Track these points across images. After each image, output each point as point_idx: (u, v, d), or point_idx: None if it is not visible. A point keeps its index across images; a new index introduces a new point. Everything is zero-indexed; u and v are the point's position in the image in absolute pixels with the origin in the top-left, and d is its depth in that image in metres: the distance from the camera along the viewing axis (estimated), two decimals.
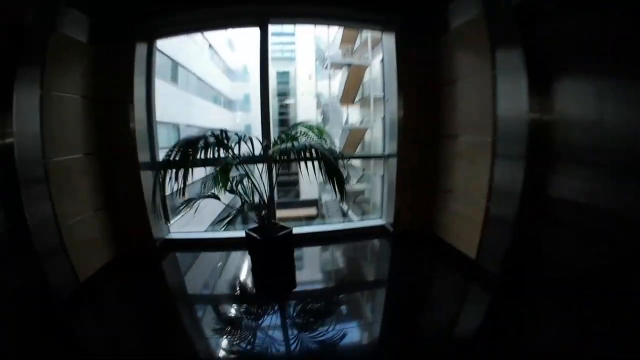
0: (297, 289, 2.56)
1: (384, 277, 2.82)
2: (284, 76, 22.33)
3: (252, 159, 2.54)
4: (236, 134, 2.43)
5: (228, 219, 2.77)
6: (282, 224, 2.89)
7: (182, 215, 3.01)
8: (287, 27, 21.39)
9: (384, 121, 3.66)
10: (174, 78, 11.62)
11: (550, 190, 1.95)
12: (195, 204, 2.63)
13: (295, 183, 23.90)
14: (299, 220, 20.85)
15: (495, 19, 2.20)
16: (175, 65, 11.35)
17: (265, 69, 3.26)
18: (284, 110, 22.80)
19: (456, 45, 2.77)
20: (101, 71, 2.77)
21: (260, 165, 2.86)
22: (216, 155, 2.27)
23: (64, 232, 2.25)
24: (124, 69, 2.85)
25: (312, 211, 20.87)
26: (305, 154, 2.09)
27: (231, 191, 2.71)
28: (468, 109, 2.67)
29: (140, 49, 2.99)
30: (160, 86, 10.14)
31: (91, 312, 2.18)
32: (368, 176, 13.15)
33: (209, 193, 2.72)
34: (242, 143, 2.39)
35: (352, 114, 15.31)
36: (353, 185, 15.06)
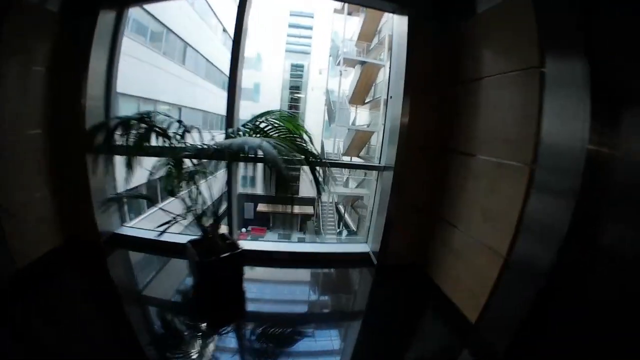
0: (245, 318, 2.03)
1: (348, 322, 2.17)
2: (298, 69, 21.73)
3: (194, 154, 1.90)
4: (179, 122, 1.83)
5: (165, 226, 2.15)
6: (236, 239, 2.26)
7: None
8: (306, 20, 20.77)
9: (384, 125, 2.99)
10: (182, 59, 11.07)
11: (603, 240, 1.30)
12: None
13: (297, 179, 23.31)
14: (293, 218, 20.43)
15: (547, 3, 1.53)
16: (185, 46, 10.80)
17: (239, 29, 2.54)
18: (294, 103, 22.28)
19: (486, 32, 2.07)
20: (60, 40, 2.33)
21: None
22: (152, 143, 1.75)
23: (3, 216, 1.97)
24: (83, 38, 2.36)
25: (308, 209, 20.28)
26: (247, 155, 1.45)
27: (171, 193, 2.08)
28: (495, 120, 1.98)
29: (106, 17, 2.47)
30: (166, 65, 9.64)
31: None
32: (369, 182, 12.45)
33: (138, 193, 2.11)
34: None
35: (361, 115, 14.61)
36: (352, 189, 14.40)
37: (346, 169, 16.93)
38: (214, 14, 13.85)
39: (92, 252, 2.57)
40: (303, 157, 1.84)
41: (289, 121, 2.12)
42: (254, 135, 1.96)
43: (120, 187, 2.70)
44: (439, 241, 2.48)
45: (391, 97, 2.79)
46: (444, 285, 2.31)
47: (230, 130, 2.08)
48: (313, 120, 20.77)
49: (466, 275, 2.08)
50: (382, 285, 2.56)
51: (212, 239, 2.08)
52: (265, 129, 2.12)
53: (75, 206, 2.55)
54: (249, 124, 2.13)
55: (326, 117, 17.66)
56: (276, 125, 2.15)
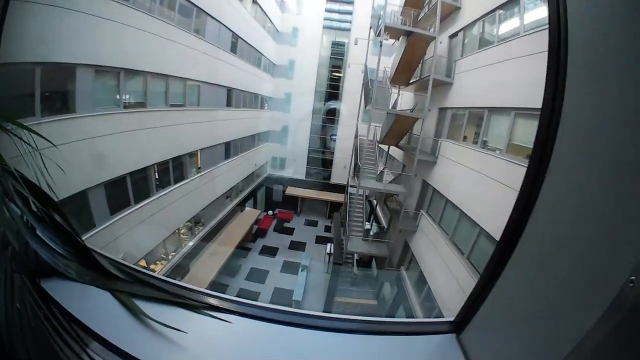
0: None
1: None
2: (338, 47, 19.93)
3: None
4: None
5: None
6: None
7: None
8: None
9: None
10: (201, 30, 10.00)
11: None
12: None
13: (330, 163, 22.07)
14: (320, 205, 19.33)
15: None
16: (200, 12, 9.67)
17: None
18: (334, 82, 20.69)
19: None
20: None
21: None
22: None
23: None
24: None
25: (339, 197, 19.07)
26: None
27: None
28: None
29: None
30: (176, 35, 8.68)
31: None
32: (406, 179, 10.74)
33: None
34: None
35: (404, 98, 12.61)
36: (385, 184, 12.76)
37: (380, 160, 15.23)
38: None
39: None
40: None
41: None
42: None
43: None
44: None
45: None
46: None
47: None
48: (352, 101, 19.06)
49: None
50: None
51: None
52: None
53: None
54: None
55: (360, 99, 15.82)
56: None
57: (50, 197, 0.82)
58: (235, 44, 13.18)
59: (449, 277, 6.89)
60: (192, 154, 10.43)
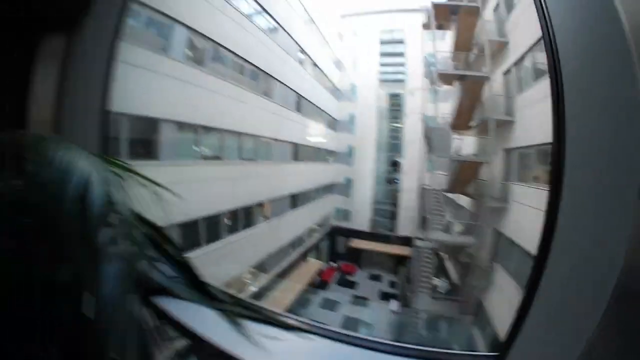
0: None
1: None
2: (395, 98, 20.76)
3: None
4: None
5: None
6: None
7: None
8: (397, 47, 19.84)
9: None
10: (268, 92, 11.76)
11: None
12: None
13: (395, 214, 21.21)
14: (387, 256, 18.10)
15: None
16: (267, 77, 11.49)
17: None
18: (394, 134, 21.07)
19: None
20: None
21: None
22: None
23: None
24: None
25: (404, 251, 17.75)
26: None
27: None
28: None
29: None
30: (246, 97, 10.37)
31: None
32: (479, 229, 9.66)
33: None
34: None
35: (466, 143, 12.03)
36: (455, 236, 11.59)
37: (447, 210, 14.10)
38: (301, 48, 14.51)
39: None
40: None
41: None
42: None
43: None
44: None
45: None
46: None
47: None
48: (413, 150, 18.84)
49: None
50: None
51: None
52: None
53: None
54: None
55: (424, 148, 15.52)
56: None
57: (161, 228, 0.93)
58: (299, 102, 14.82)
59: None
60: (260, 204, 11.44)
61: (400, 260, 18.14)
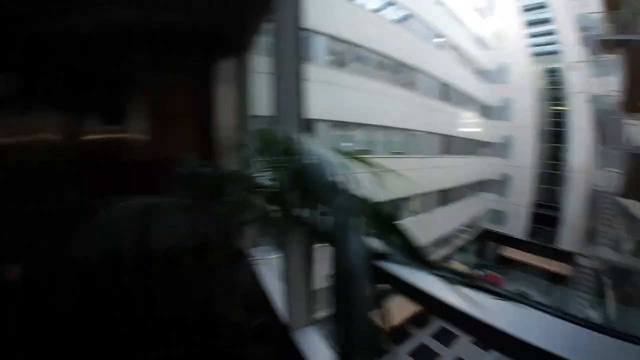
0: None
1: None
2: (553, 74, 16.17)
3: None
4: None
5: None
6: None
7: None
8: (541, 14, 15.05)
9: None
10: (411, 83, 11.85)
11: None
12: None
13: (557, 222, 16.48)
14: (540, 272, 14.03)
15: None
16: (409, 69, 11.61)
17: None
18: (556, 118, 16.44)
19: None
20: None
21: None
22: None
23: None
24: None
25: (563, 268, 13.73)
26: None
27: None
28: None
29: None
30: (391, 91, 10.89)
31: None
32: None
33: None
34: None
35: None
36: (626, 256, 8.53)
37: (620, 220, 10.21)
38: (436, 32, 13.29)
39: None
40: None
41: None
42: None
43: None
44: None
45: None
46: None
47: None
48: (582, 140, 14.25)
49: None
50: None
51: None
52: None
53: None
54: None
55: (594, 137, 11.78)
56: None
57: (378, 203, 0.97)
58: (445, 90, 13.79)
59: None
60: (406, 199, 11.23)
61: (558, 279, 14.33)
